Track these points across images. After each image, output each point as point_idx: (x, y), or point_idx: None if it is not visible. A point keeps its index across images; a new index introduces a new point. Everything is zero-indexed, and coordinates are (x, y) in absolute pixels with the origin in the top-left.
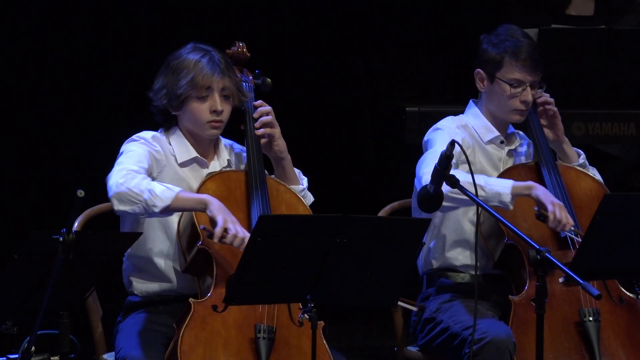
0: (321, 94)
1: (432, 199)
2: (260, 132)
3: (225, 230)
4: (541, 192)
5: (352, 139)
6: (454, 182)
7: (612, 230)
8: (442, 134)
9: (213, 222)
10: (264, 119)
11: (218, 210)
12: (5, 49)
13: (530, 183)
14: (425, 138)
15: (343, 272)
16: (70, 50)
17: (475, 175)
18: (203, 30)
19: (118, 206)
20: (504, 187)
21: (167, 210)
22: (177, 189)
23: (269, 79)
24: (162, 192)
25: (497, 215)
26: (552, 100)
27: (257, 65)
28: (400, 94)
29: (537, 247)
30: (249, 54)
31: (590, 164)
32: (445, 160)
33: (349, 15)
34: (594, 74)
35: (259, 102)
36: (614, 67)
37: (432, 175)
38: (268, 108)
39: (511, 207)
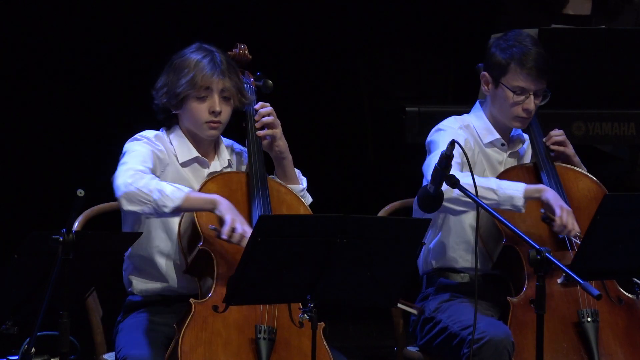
0: (322, 95)
1: (432, 199)
2: (261, 133)
3: (233, 229)
4: (551, 196)
5: (352, 139)
6: (454, 183)
7: (612, 230)
8: (444, 134)
9: (221, 221)
10: (265, 119)
11: (227, 209)
12: (6, 49)
13: (540, 186)
14: (428, 139)
15: (343, 272)
16: (70, 50)
17: (487, 179)
18: (206, 31)
19: (127, 206)
20: (517, 191)
21: (177, 211)
22: (186, 189)
23: (270, 81)
24: (172, 193)
25: (498, 216)
26: (560, 136)
27: (259, 66)
28: (400, 94)
29: (537, 247)
30: (250, 56)
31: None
32: (445, 160)
33: (349, 15)
34: (593, 74)
35: (260, 104)
36: (614, 67)
37: (432, 175)
38: (269, 109)
39: (523, 210)
